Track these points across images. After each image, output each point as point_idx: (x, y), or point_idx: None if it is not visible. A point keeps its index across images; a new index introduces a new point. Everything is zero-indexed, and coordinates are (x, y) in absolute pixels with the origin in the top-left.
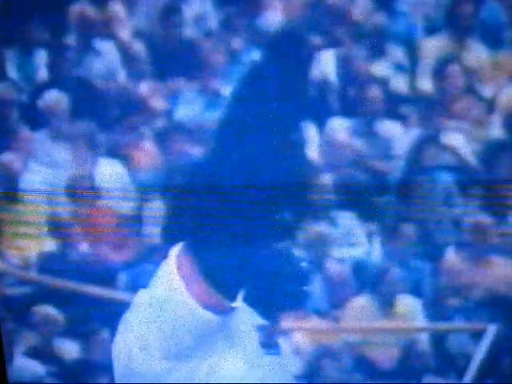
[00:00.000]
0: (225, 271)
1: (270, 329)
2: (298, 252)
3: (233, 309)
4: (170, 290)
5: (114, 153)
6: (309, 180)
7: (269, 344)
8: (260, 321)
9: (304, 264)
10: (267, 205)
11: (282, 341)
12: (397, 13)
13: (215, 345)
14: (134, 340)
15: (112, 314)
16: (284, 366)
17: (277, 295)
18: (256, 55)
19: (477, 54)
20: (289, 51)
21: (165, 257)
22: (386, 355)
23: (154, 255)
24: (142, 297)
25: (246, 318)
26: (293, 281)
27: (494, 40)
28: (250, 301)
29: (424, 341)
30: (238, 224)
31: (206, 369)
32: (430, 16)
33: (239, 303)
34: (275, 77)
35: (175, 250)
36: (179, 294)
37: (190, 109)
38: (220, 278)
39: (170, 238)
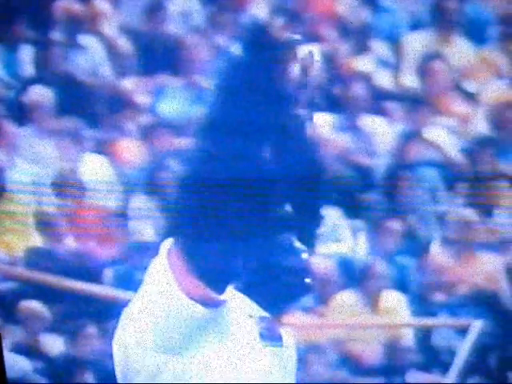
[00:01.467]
0: (213, 264)
1: (270, 321)
2: (297, 244)
3: (223, 302)
4: (161, 284)
5: (99, 148)
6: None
7: (270, 336)
8: (256, 312)
9: (305, 255)
10: (257, 198)
11: (284, 332)
12: (381, 9)
13: (207, 338)
14: (130, 335)
15: (98, 309)
16: (282, 359)
17: (277, 288)
18: (239, 49)
19: (461, 50)
20: (271, 46)
21: (152, 252)
22: (371, 351)
23: (141, 251)
24: (138, 293)
25: (238, 310)
26: (293, 273)
27: (478, 36)
28: (251, 294)
29: (409, 336)
30: (227, 217)
31: (200, 362)
32: (415, 12)
33: (229, 296)
34: (258, 71)
35: (166, 245)
36: (170, 288)
37: (175, 104)
38: (209, 272)
39: (159, 232)
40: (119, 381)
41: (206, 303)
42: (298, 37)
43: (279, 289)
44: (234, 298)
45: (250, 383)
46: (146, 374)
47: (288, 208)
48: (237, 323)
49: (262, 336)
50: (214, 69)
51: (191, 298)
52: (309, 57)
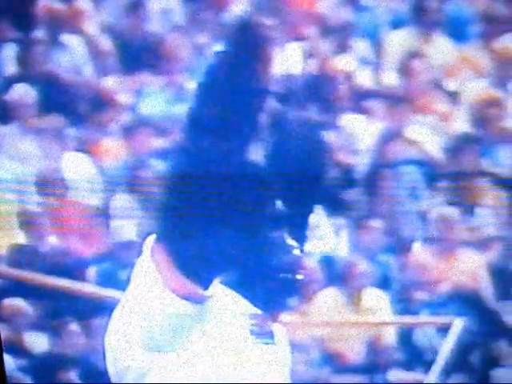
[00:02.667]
0: (197, 259)
1: (262, 318)
2: (289, 241)
3: (208, 297)
4: (147, 282)
5: (81, 147)
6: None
7: (262, 333)
8: (246, 309)
9: (296, 252)
10: (240, 194)
11: (275, 329)
12: (362, 7)
13: (194, 334)
14: (119, 334)
15: (82, 307)
16: (272, 355)
17: (268, 284)
18: (220, 47)
19: (442, 48)
20: (253, 45)
21: (135, 250)
22: (353, 349)
23: (124, 249)
24: (126, 291)
25: (226, 305)
26: (284, 269)
27: (459, 34)
28: (241, 290)
29: (391, 334)
30: (209, 213)
31: (186, 357)
32: (396, 11)
33: (215, 291)
34: (239, 69)
35: (148, 243)
36: (155, 285)
37: (157, 103)
38: (192, 266)
39: (142, 230)
40: (112, 377)
41: (191, 299)
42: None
43: (271, 285)
44: (221, 294)
45: (243, 383)
46: (135, 371)
47: (276, 204)
48: (224, 319)
49: (253, 333)
50: (198, 67)
51: (176, 295)
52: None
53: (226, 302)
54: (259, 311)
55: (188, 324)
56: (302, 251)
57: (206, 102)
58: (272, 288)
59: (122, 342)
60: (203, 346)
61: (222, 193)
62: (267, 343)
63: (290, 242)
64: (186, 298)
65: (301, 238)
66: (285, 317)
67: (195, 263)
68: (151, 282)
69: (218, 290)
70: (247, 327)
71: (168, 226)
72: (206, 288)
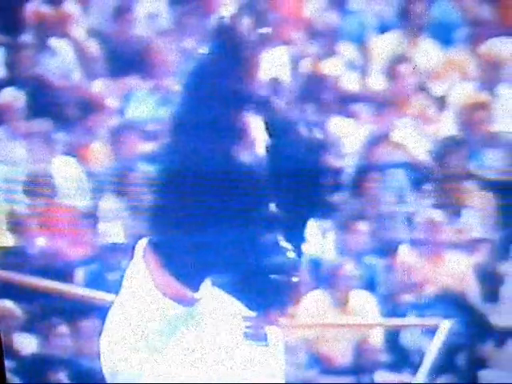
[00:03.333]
0: (186, 261)
1: (255, 320)
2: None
3: (199, 299)
4: (139, 284)
5: (69, 150)
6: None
7: (255, 335)
8: (239, 310)
9: (291, 254)
10: (231, 196)
11: (269, 331)
12: (349, 11)
13: (186, 335)
14: (113, 336)
15: (70, 308)
16: (266, 356)
17: (262, 287)
18: (205, 50)
19: (429, 52)
20: (238, 48)
21: (122, 252)
22: (340, 351)
23: (112, 251)
24: (120, 293)
25: (217, 307)
26: (278, 272)
27: (445, 39)
28: (234, 292)
29: (378, 336)
30: (198, 214)
31: (178, 358)
32: (382, 15)
33: (205, 293)
34: (225, 73)
35: (140, 245)
36: (147, 287)
37: (144, 106)
38: (181, 268)
39: (130, 232)
40: (107, 378)
41: (182, 301)
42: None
43: (264, 287)
44: (212, 296)
45: (236, 383)
46: (129, 371)
47: (269, 206)
48: (216, 320)
49: (246, 335)
50: (185, 71)
51: (168, 297)
52: None
53: (217, 303)
54: (252, 313)
55: (179, 326)
56: (297, 254)
57: (191, 104)
58: (266, 290)
59: (115, 343)
60: (195, 347)
61: (211, 192)
62: (261, 345)
63: (284, 244)
64: (175, 299)
65: (296, 241)
66: (276, 319)
67: (184, 265)
68: (142, 283)
69: (209, 291)
70: (240, 329)
71: (157, 227)
72: (196, 290)
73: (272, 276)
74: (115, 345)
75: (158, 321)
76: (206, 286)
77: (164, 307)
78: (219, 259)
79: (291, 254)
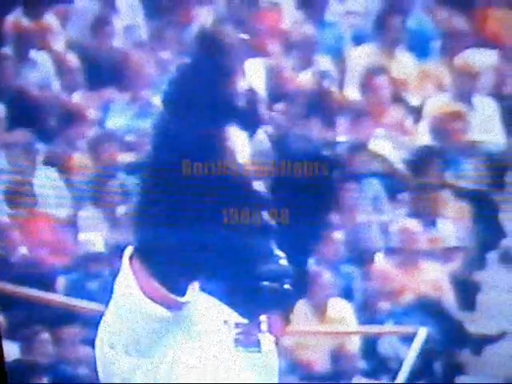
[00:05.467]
0: (171, 267)
1: (247, 326)
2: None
3: (185, 304)
4: (127, 291)
5: (50, 160)
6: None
7: (247, 342)
8: (224, 315)
9: (283, 262)
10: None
11: (262, 337)
12: (325, 24)
13: (175, 339)
14: (105, 341)
15: (52, 316)
16: (256, 361)
17: (251, 293)
18: (183, 60)
19: (404, 64)
20: (215, 60)
21: (103, 261)
22: (318, 358)
23: (93, 260)
24: (111, 299)
25: (202, 311)
26: (268, 278)
27: (421, 50)
28: (224, 297)
29: (356, 344)
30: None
31: (169, 363)
32: (359, 27)
33: (192, 298)
34: (202, 84)
35: (127, 253)
36: (135, 293)
37: (122, 118)
38: (166, 274)
39: (110, 241)
40: (101, 382)
41: (169, 306)
42: (245, 36)
43: (254, 294)
44: (199, 301)
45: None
46: (121, 375)
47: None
48: (205, 325)
49: (237, 342)
50: (162, 82)
51: (155, 302)
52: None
53: (205, 308)
54: (243, 319)
55: (168, 329)
56: (289, 261)
57: (171, 115)
58: (256, 297)
59: (107, 347)
60: (184, 352)
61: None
62: (253, 352)
63: (277, 251)
64: (163, 304)
65: (290, 248)
66: (265, 325)
67: (171, 270)
68: (131, 290)
69: (195, 296)
70: (231, 335)
71: (142, 232)
72: (182, 294)
73: (264, 283)
74: (108, 348)
75: (144, 324)
76: (194, 289)
77: (150, 311)
78: (206, 264)
79: (284, 262)
